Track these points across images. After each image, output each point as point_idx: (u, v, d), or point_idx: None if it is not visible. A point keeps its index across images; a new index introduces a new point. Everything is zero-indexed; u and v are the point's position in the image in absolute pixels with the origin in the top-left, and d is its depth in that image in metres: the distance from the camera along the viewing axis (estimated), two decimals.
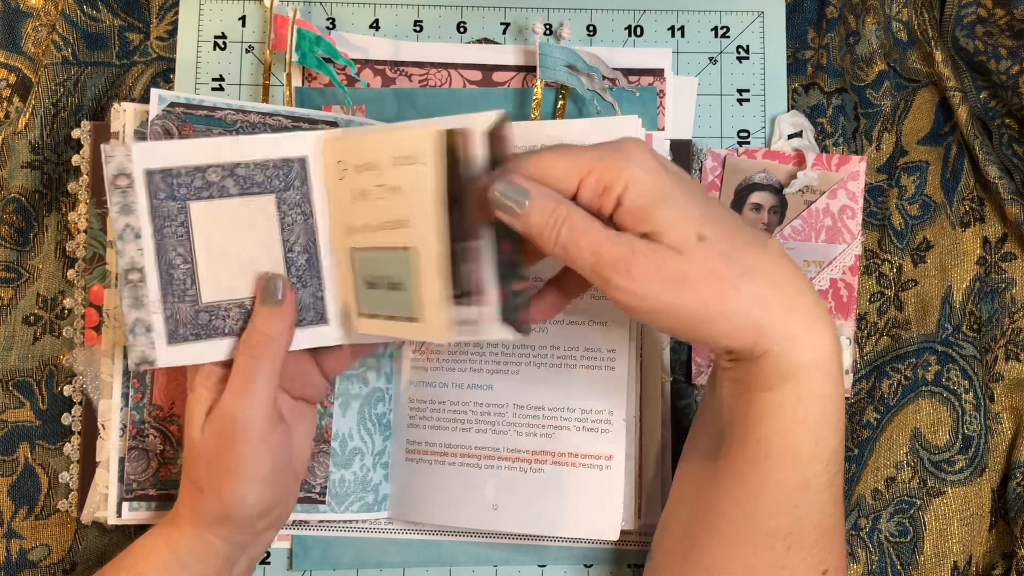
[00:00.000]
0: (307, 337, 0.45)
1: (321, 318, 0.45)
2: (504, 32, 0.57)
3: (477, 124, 0.38)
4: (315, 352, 0.46)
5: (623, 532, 0.51)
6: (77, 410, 0.52)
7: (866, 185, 0.55)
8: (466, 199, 0.38)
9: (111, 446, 0.49)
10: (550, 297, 0.42)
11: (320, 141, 0.44)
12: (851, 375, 0.54)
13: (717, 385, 0.41)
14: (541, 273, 0.49)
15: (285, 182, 0.44)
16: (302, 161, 0.44)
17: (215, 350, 0.43)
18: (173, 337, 0.43)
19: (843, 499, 0.41)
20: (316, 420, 0.48)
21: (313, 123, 0.49)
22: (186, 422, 0.43)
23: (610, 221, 0.37)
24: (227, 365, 0.43)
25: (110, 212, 0.42)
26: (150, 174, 0.42)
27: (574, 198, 0.38)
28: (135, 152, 0.42)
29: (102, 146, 0.42)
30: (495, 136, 0.38)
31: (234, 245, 0.44)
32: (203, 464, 0.42)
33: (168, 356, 0.43)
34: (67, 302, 0.53)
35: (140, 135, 0.48)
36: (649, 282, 0.36)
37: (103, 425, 0.50)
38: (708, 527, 0.40)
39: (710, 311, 0.36)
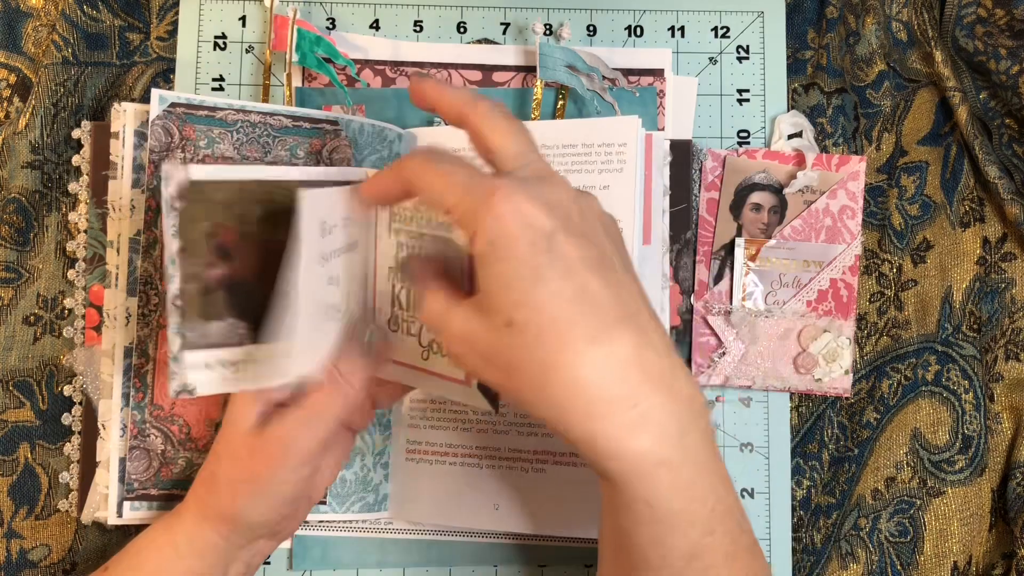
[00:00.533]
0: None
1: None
2: (504, 32, 0.57)
3: None
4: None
5: None
6: (77, 410, 0.52)
7: (866, 185, 0.55)
8: None
9: (111, 446, 0.49)
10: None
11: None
12: (851, 375, 0.54)
13: None
14: None
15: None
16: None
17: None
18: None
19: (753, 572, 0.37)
20: (351, 447, 0.47)
21: (314, 123, 0.49)
22: (228, 417, 0.42)
23: None
24: None
25: (166, 235, 0.41)
26: None
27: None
28: (192, 175, 0.41)
29: (163, 166, 0.40)
30: None
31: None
32: (232, 462, 0.41)
33: (209, 386, 0.42)
34: (67, 302, 0.53)
35: (140, 135, 0.48)
36: (464, 350, 0.35)
37: (103, 425, 0.50)
38: None
39: (519, 397, 0.34)
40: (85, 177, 0.53)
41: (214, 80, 0.56)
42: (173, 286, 0.41)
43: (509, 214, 0.33)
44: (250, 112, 0.48)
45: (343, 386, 0.41)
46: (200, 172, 0.41)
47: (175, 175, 0.40)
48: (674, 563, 0.35)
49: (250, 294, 0.42)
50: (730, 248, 0.54)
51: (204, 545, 0.43)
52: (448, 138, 0.53)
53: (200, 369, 0.41)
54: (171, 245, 0.40)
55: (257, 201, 0.42)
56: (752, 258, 0.54)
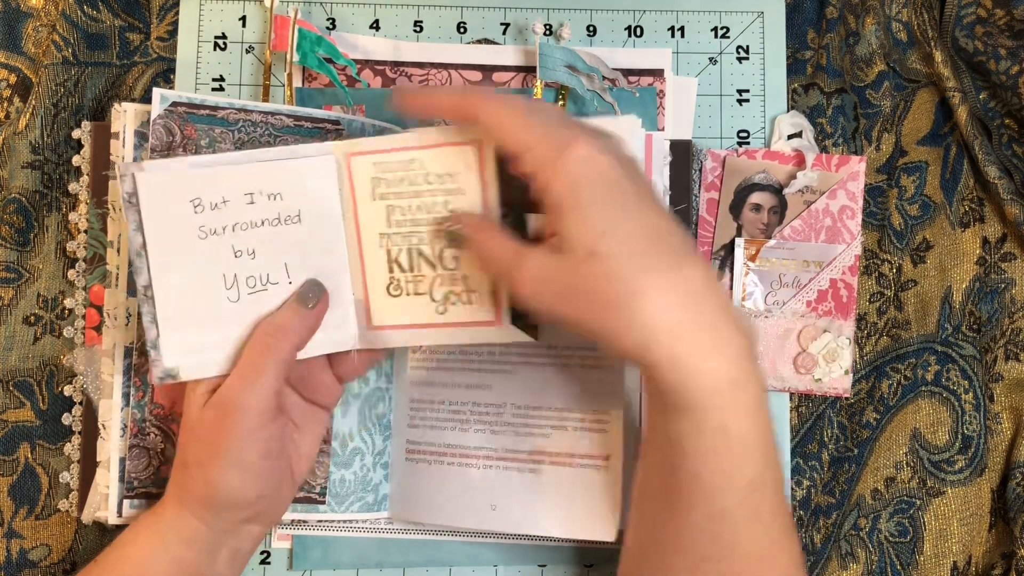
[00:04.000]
0: (324, 343, 0.45)
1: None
2: (504, 32, 0.57)
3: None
4: (330, 357, 0.46)
5: (622, 532, 0.51)
6: (77, 410, 0.52)
7: (866, 185, 0.55)
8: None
9: (111, 446, 0.49)
10: None
11: (339, 157, 0.44)
12: (851, 375, 0.54)
13: (647, 408, 0.40)
14: None
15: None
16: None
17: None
18: None
19: (786, 524, 0.39)
20: (326, 425, 0.48)
21: (315, 122, 0.49)
22: (186, 402, 0.43)
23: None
24: None
25: (129, 229, 0.42)
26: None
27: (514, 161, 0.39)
28: (144, 174, 0.43)
29: (116, 164, 0.42)
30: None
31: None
32: (195, 442, 0.42)
33: (191, 370, 0.43)
34: (67, 302, 0.53)
35: (141, 135, 0.48)
36: (539, 290, 0.37)
37: (103, 425, 0.50)
38: (652, 556, 0.40)
39: (594, 328, 0.36)
40: (85, 177, 0.53)
41: (214, 80, 0.56)
42: (142, 278, 0.43)
43: (590, 159, 0.36)
44: (252, 112, 0.48)
45: (276, 340, 0.42)
46: (154, 167, 0.43)
47: (128, 171, 0.42)
48: (735, 493, 0.36)
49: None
50: (730, 248, 0.54)
51: (188, 533, 0.43)
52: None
53: (179, 353, 0.43)
54: (134, 239, 0.43)
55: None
56: (752, 258, 0.54)
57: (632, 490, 0.43)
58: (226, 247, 0.44)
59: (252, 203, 0.44)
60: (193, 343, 0.43)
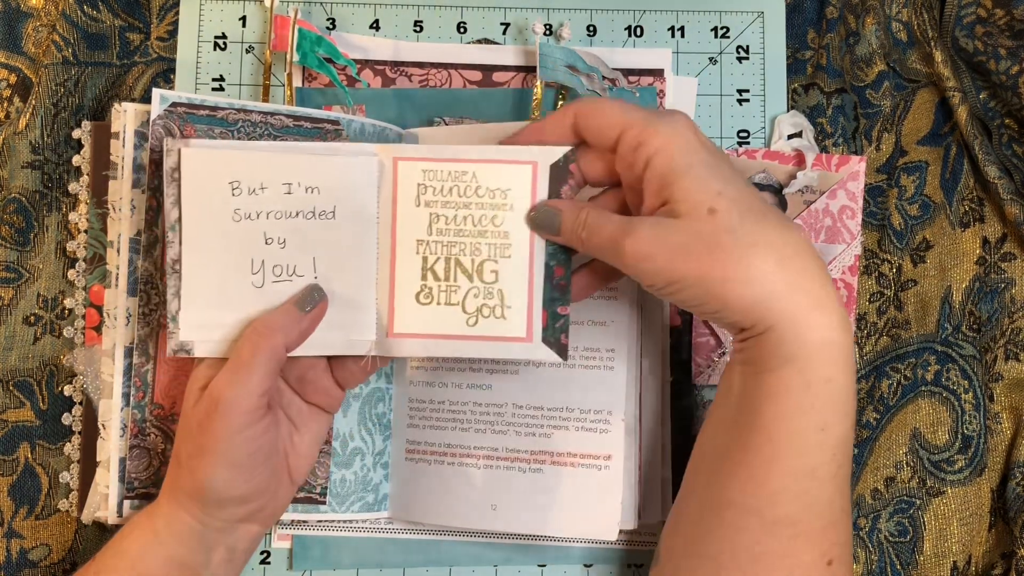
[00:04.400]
0: (340, 344, 0.45)
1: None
2: (504, 32, 0.57)
3: (546, 157, 0.43)
4: (331, 362, 0.46)
5: (623, 532, 0.51)
6: (77, 410, 0.52)
7: (866, 185, 0.55)
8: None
9: (111, 446, 0.49)
10: (584, 278, 0.46)
11: (385, 159, 0.45)
12: None
13: (729, 372, 0.42)
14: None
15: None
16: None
17: None
18: None
19: (850, 490, 0.41)
20: (327, 427, 0.48)
21: (315, 122, 0.49)
22: (184, 397, 0.44)
23: (640, 183, 0.40)
24: None
25: (165, 202, 0.44)
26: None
27: (613, 148, 0.41)
28: (189, 150, 0.44)
29: (165, 140, 0.44)
30: (559, 170, 0.43)
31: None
32: (187, 438, 0.42)
33: (205, 347, 0.44)
34: (67, 302, 0.53)
35: (141, 135, 0.48)
36: (655, 251, 0.38)
37: (103, 425, 0.50)
38: (716, 517, 0.40)
39: (713, 281, 0.38)
40: (85, 177, 0.53)
41: (214, 80, 0.56)
42: (172, 251, 0.44)
43: (691, 128, 0.40)
44: (251, 112, 0.48)
45: (266, 340, 0.42)
46: (200, 144, 0.44)
47: (175, 147, 0.43)
48: (827, 450, 0.38)
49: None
50: None
51: (182, 530, 0.43)
52: (447, 138, 0.53)
53: (196, 329, 0.44)
54: (171, 213, 0.44)
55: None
56: None
57: (688, 468, 0.44)
58: (258, 233, 0.44)
59: (289, 193, 0.44)
60: (211, 321, 0.44)
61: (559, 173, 0.44)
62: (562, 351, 0.44)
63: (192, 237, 0.44)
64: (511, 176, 0.44)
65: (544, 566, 0.53)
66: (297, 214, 0.44)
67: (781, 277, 0.37)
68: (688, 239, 0.38)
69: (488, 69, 0.56)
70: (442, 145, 0.48)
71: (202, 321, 0.44)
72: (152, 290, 0.49)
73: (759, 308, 0.38)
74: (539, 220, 0.43)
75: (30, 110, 0.54)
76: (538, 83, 0.54)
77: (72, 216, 0.53)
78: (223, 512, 0.43)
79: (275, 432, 0.44)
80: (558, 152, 0.43)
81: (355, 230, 0.45)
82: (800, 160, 0.55)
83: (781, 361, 0.38)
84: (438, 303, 0.45)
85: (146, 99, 0.55)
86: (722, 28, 0.57)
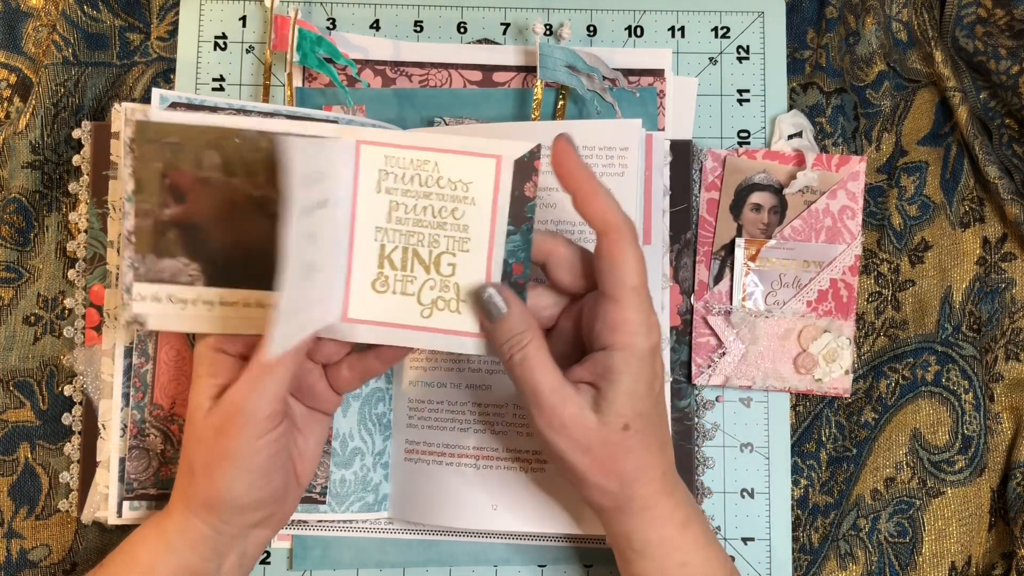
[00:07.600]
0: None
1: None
2: (504, 32, 0.57)
3: (511, 152, 0.42)
4: (325, 368, 0.46)
5: None
6: (77, 410, 0.52)
7: (866, 185, 0.55)
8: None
9: (111, 446, 0.49)
10: (544, 297, 0.45)
11: (353, 144, 0.44)
12: (850, 375, 0.54)
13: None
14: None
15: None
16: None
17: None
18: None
19: None
20: (328, 429, 0.48)
21: (315, 122, 0.49)
22: (189, 406, 0.43)
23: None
24: (235, 354, 0.43)
25: (121, 173, 0.43)
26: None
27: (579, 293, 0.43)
28: (151, 117, 0.43)
29: (124, 104, 0.43)
30: (523, 166, 0.42)
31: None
32: (201, 447, 0.42)
33: (160, 320, 0.44)
34: (67, 302, 0.53)
35: None
36: (563, 438, 0.41)
37: (103, 425, 0.50)
38: None
39: (592, 479, 0.42)
40: (85, 177, 0.53)
41: (214, 80, 0.56)
42: (128, 222, 0.43)
43: (658, 360, 0.42)
44: (251, 112, 0.48)
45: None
46: (159, 116, 0.43)
47: (134, 115, 0.43)
48: None
49: (205, 237, 0.44)
50: (730, 248, 0.54)
51: (195, 537, 0.43)
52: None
53: (150, 302, 0.44)
54: (127, 184, 0.43)
55: (217, 147, 0.43)
56: (752, 258, 0.54)
57: None
58: (305, 230, 0.42)
59: (317, 183, 0.42)
60: (166, 294, 0.43)
61: (524, 169, 0.42)
62: None
63: None
64: (474, 169, 0.43)
65: (544, 566, 0.53)
66: None
67: (655, 486, 0.43)
68: (592, 440, 0.41)
69: (488, 69, 0.56)
70: (408, 131, 0.45)
71: (156, 293, 0.43)
72: None
73: (617, 509, 0.43)
74: (484, 303, 0.42)
75: (30, 110, 0.54)
76: (538, 83, 0.54)
77: (72, 216, 0.53)
78: (241, 518, 0.43)
79: (289, 436, 0.44)
80: (524, 147, 0.42)
81: (336, 216, 0.43)
82: (800, 160, 0.55)
83: (635, 555, 0.43)
84: (393, 292, 0.44)
85: (146, 99, 0.55)
86: (722, 28, 0.57)
